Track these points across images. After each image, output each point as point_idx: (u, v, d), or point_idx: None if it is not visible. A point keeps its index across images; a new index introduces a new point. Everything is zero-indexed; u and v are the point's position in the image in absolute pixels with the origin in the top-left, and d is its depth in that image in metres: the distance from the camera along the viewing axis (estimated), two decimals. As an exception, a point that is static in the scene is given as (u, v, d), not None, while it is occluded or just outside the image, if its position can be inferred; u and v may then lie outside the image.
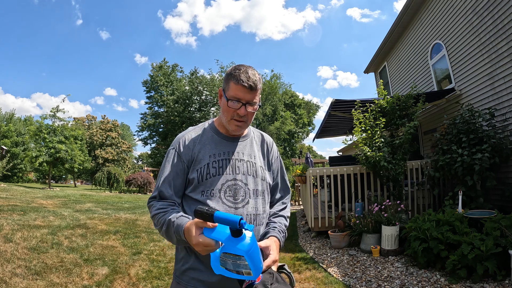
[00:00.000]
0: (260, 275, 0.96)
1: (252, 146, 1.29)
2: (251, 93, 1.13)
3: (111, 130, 32.02)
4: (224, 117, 1.19)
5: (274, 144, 1.40)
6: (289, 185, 1.42)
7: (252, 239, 0.90)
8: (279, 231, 1.22)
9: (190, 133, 1.24)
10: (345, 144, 5.82)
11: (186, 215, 1.10)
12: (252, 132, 1.33)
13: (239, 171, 1.20)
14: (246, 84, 1.11)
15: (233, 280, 0.98)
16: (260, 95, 1.23)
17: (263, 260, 1.01)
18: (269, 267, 1.03)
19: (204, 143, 1.21)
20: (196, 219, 0.95)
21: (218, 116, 1.29)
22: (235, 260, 0.90)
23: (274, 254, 1.07)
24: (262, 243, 1.06)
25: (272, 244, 1.10)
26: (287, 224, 1.32)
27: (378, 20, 64.10)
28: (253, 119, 1.22)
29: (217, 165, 1.18)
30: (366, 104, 5.54)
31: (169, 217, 1.07)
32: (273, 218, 1.29)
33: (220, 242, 0.92)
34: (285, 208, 1.36)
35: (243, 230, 0.89)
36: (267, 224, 1.27)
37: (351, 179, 5.36)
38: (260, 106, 1.20)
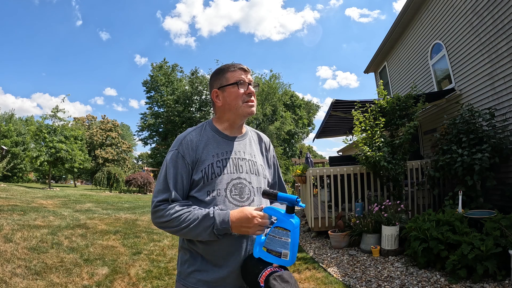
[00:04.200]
0: (281, 269, 1.08)
1: (251, 145, 1.31)
2: (248, 74, 1.25)
3: (111, 130, 31.96)
4: (233, 107, 1.23)
5: (271, 143, 1.44)
6: (285, 184, 1.47)
7: (298, 222, 1.09)
8: None
9: (191, 133, 1.23)
10: (346, 143, 5.82)
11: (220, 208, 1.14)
12: (249, 132, 1.35)
13: (242, 169, 1.21)
14: (243, 66, 1.24)
15: (238, 275, 1.13)
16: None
17: None
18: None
19: (206, 143, 1.22)
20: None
21: (215, 116, 1.31)
22: (281, 236, 1.06)
23: None
24: None
25: None
26: None
27: (377, 20, 64.23)
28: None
29: (221, 164, 1.19)
30: (366, 104, 5.54)
31: (204, 213, 1.09)
32: None
33: (274, 218, 1.12)
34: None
35: (295, 208, 1.09)
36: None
37: (351, 179, 5.36)
38: (257, 85, 1.32)
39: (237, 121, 1.26)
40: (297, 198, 1.05)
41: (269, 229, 1.10)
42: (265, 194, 1.12)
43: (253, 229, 1.07)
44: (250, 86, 1.23)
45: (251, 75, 1.26)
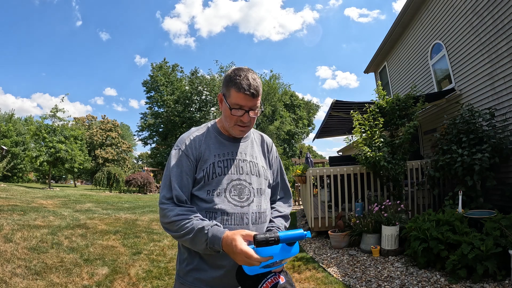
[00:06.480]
0: (282, 276, 1.07)
1: (253, 147, 1.32)
2: (253, 100, 1.15)
3: (111, 130, 31.96)
4: (227, 122, 1.21)
5: (274, 144, 1.44)
6: (289, 186, 1.45)
7: (297, 249, 1.05)
8: None
9: (195, 133, 1.26)
10: (345, 145, 5.82)
11: (217, 223, 1.11)
12: (252, 133, 1.36)
13: (242, 171, 1.23)
14: (248, 92, 1.13)
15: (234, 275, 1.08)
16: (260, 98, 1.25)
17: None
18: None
19: (208, 143, 1.23)
20: (237, 231, 1.04)
21: (219, 117, 1.31)
22: (285, 260, 1.04)
23: None
24: None
25: None
26: (287, 225, 1.34)
27: (377, 20, 64.07)
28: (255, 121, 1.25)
29: (222, 165, 1.20)
30: (366, 105, 5.54)
31: (199, 226, 1.07)
32: (274, 219, 1.31)
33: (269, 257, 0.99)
34: (286, 208, 1.38)
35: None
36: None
37: (351, 179, 5.36)
38: (262, 111, 1.22)
39: (230, 132, 1.25)
40: (302, 233, 0.97)
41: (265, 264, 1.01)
42: (261, 242, 0.93)
43: (240, 262, 1.01)
44: (249, 112, 1.16)
45: (257, 98, 1.16)
